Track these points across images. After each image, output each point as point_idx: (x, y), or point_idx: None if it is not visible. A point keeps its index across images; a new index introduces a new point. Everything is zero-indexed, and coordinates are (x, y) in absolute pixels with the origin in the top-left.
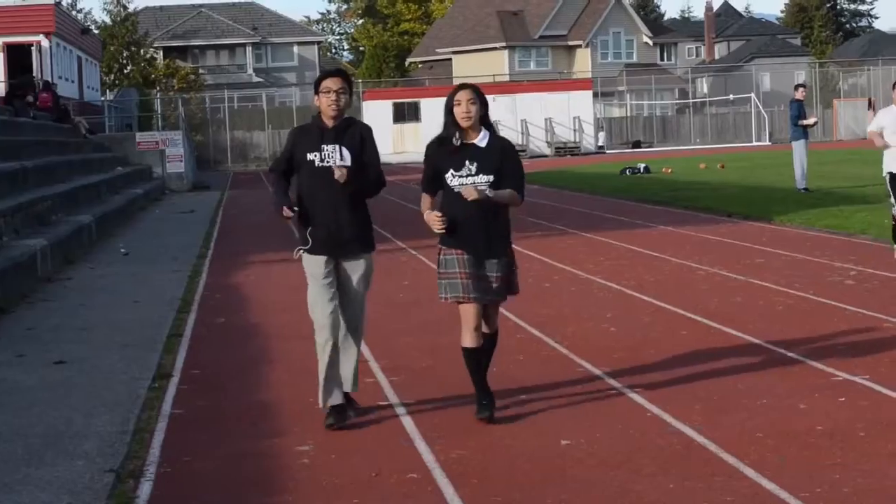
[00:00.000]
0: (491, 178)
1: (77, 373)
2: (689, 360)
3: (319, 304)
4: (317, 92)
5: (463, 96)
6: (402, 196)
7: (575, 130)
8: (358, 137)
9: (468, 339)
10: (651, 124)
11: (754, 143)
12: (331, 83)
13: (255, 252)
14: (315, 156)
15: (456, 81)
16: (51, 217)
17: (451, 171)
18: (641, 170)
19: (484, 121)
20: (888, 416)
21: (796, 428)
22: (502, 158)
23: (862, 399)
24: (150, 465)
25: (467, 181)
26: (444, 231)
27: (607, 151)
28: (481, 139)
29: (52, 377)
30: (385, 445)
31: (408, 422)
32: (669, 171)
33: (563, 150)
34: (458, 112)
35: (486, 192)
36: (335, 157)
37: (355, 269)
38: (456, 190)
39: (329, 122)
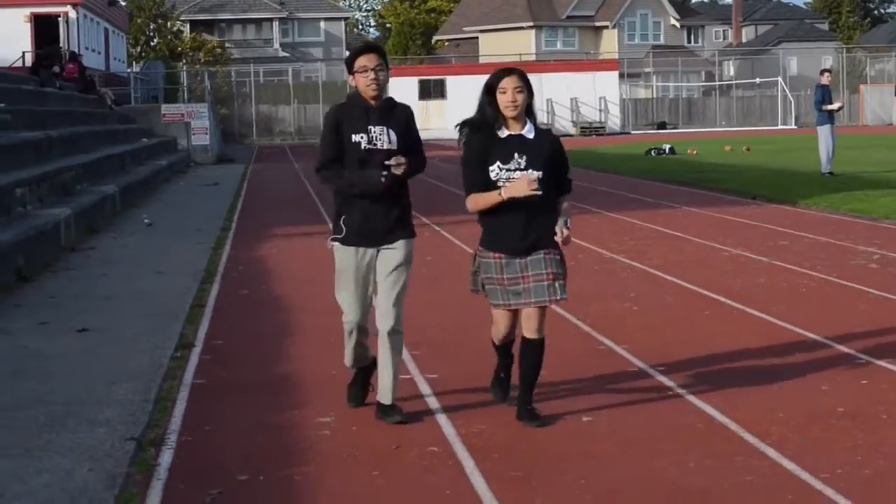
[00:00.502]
0: (541, 173)
1: (99, 341)
2: (711, 341)
3: (349, 302)
4: (351, 71)
5: (509, 83)
6: (426, 172)
7: (601, 111)
8: (403, 119)
9: (497, 338)
10: (677, 106)
11: (780, 127)
12: (366, 60)
13: (279, 225)
14: (362, 137)
15: (483, 60)
16: (75, 187)
17: (498, 163)
18: (667, 151)
19: (528, 110)
20: None
21: (818, 409)
22: (552, 153)
23: (884, 382)
24: (171, 433)
25: (516, 175)
26: (538, 192)
27: (632, 132)
28: (528, 130)
29: (75, 345)
30: (402, 424)
31: (429, 396)
32: (695, 152)
33: (589, 129)
34: (504, 101)
35: (565, 226)
36: (383, 140)
37: (394, 258)
38: (501, 184)
39: (371, 102)
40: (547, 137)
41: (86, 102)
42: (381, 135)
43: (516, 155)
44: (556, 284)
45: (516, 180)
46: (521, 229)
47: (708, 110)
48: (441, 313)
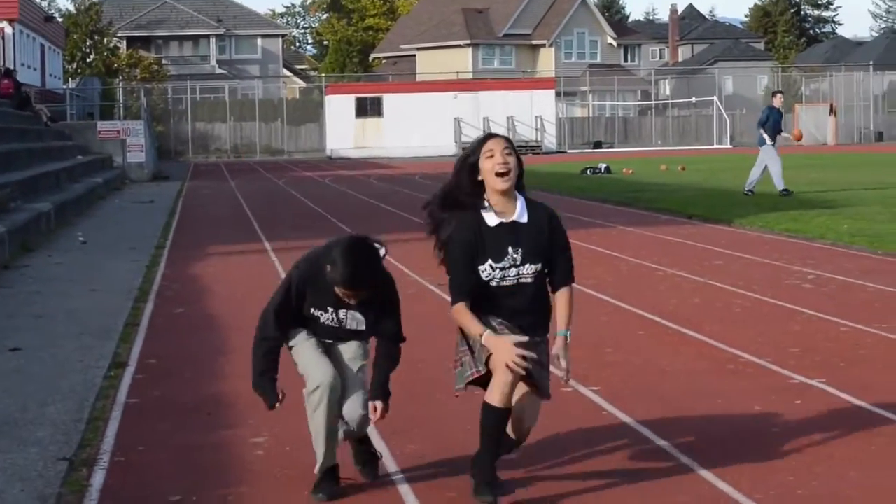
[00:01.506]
0: (539, 266)
1: (32, 360)
2: (645, 360)
3: (314, 361)
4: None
5: (496, 145)
6: (361, 190)
7: (537, 129)
8: None
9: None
10: (613, 125)
11: (715, 146)
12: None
13: (214, 243)
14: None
15: (420, 78)
16: (9, 204)
17: (490, 261)
18: (602, 170)
19: (518, 184)
20: (844, 420)
21: (752, 429)
22: (551, 238)
23: (818, 402)
24: (103, 453)
25: (510, 274)
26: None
27: (568, 151)
28: (520, 213)
29: (7, 364)
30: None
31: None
32: (630, 171)
33: (525, 148)
34: (491, 167)
35: (566, 338)
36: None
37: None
38: (495, 284)
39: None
40: (544, 218)
41: (21, 119)
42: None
43: (510, 249)
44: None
45: (500, 338)
46: (509, 319)
47: (644, 129)
48: None
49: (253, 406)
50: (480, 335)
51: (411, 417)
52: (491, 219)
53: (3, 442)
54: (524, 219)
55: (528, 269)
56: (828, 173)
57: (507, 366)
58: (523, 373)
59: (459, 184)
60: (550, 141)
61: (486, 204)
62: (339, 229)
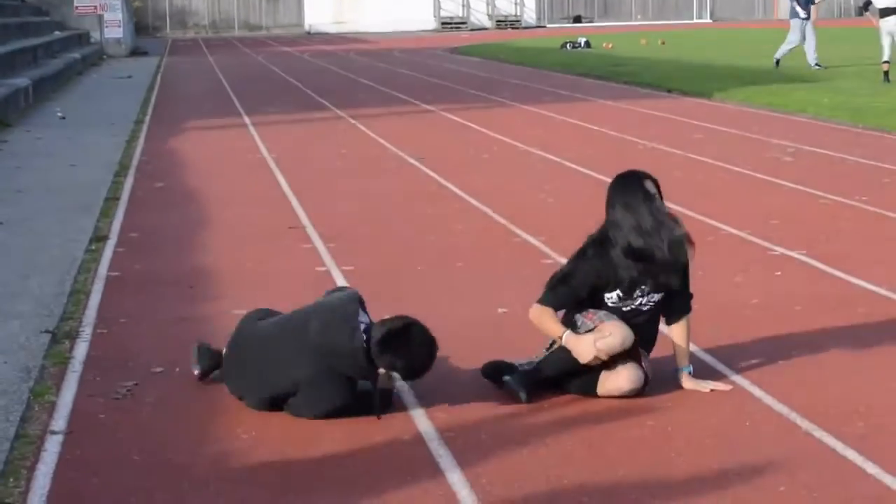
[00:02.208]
0: (661, 295)
1: (13, 234)
2: None
3: None
4: None
5: (653, 187)
6: (340, 65)
7: (516, 4)
8: None
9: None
10: None
11: (695, 21)
12: None
13: (194, 118)
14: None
15: None
16: None
17: (618, 291)
18: (582, 44)
19: None
20: (824, 291)
21: (732, 301)
22: (679, 270)
23: (798, 274)
24: (86, 326)
25: (635, 303)
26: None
27: (548, 26)
28: None
29: None
30: None
31: (344, 286)
32: (610, 46)
33: (504, 23)
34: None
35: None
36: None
37: None
38: (614, 305)
39: None
40: (678, 249)
41: None
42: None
43: (642, 284)
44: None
45: (579, 338)
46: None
47: (623, 3)
48: (355, 205)
49: (234, 278)
50: (561, 336)
51: (395, 289)
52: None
53: None
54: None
55: (654, 298)
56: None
57: (588, 362)
58: (600, 362)
59: (655, 224)
60: (530, 15)
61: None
62: (318, 103)
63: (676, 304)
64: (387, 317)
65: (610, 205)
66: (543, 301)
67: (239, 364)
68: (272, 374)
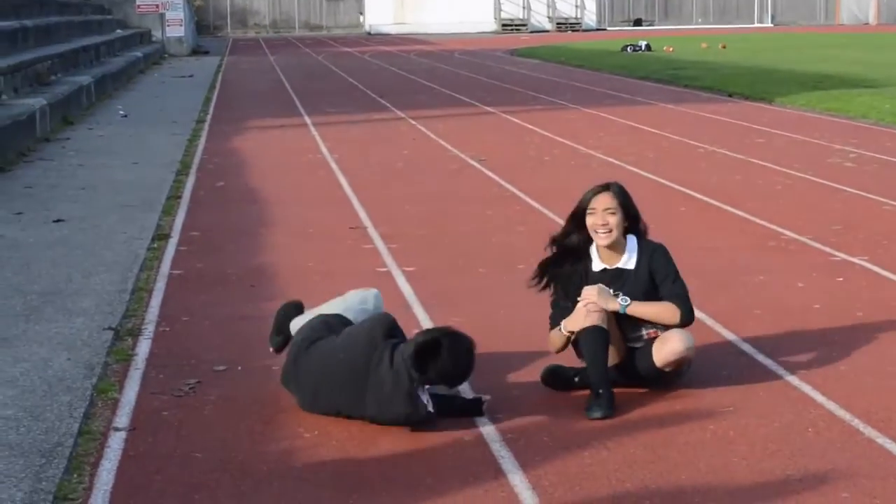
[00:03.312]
0: (625, 300)
1: (76, 232)
2: (686, 236)
3: None
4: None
5: (599, 203)
6: (400, 65)
7: (577, 6)
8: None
9: None
10: (653, 2)
11: (756, 25)
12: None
13: (254, 117)
14: None
15: None
16: (50, 77)
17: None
18: (643, 47)
19: (631, 228)
20: (886, 297)
21: (794, 305)
22: (654, 276)
23: (860, 280)
24: (148, 323)
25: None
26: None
27: (608, 28)
28: (626, 259)
29: (51, 235)
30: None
31: (406, 288)
32: (671, 49)
33: (565, 25)
34: (592, 223)
35: (621, 301)
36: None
37: None
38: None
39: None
40: (645, 259)
41: None
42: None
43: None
44: None
45: (587, 289)
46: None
47: (684, 7)
48: (417, 206)
49: (295, 277)
50: (561, 331)
51: (456, 290)
52: (597, 264)
53: (49, 312)
54: (630, 265)
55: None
56: (869, 53)
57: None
58: (597, 309)
59: (568, 232)
60: (590, 18)
61: (595, 250)
62: (378, 104)
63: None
64: (418, 332)
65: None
66: (552, 328)
67: (300, 378)
68: (338, 401)
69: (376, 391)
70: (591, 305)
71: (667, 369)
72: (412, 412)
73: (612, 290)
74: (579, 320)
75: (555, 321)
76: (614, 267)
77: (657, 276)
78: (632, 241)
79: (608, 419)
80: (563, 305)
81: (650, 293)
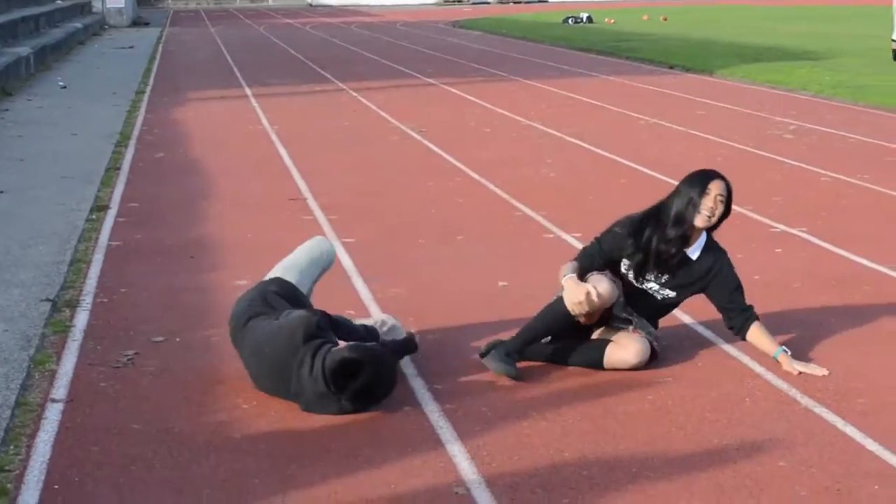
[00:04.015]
0: (675, 296)
1: (14, 203)
2: (627, 208)
3: None
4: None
5: (715, 188)
6: (341, 37)
7: None
8: None
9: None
10: None
11: None
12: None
13: (195, 89)
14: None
15: None
16: None
17: (628, 262)
18: (584, 19)
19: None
20: (824, 268)
21: None
22: (712, 283)
23: (799, 251)
24: (86, 295)
25: (645, 286)
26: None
27: (550, 0)
28: (695, 248)
29: None
30: (322, 281)
31: (346, 259)
32: (612, 21)
33: None
34: (704, 204)
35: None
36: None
37: None
38: (630, 278)
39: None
40: (710, 262)
41: None
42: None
43: (663, 273)
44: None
45: (576, 284)
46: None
47: None
48: (356, 178)
49: (235, 249)
50: (564, 277)
51: (395, 261)
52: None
53: None
54: (694, 255)
55: (664, 293)
56: (813, 25)
57: (569, 307)
58: (583, 311)
59: (679, 212)
60: None
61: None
62: (319, 76)
63: (737, 318)
64: (345, 345)
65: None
66: (574, 259)
67: (240, 352)
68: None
69: (301, 392)
70: (585, 305)
71: (607, 368)
72: (341, 411)
73: (661, 276)
74: (573, 293)
75: (583, 259)
76: (682, 251)
77: (719, 281)
78: (703, 235)
79: (509, 376)
80: (596, 255)
81: (691, 286)
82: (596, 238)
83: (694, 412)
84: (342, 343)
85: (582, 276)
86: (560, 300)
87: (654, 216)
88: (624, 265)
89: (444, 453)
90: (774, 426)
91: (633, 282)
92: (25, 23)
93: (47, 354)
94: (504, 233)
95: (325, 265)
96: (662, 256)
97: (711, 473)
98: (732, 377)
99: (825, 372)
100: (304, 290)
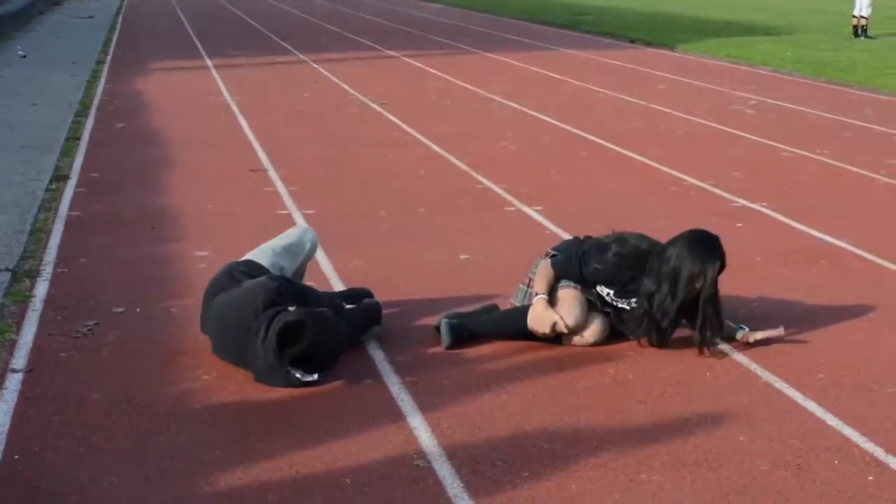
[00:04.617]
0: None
1: None
2: (587, 181)
3: None
4: None
5: (710, 272)
6: (303, 9)
7: None
8: None
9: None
10: None
11: None
12: None
13: (155, 60)
14: None
15: None
16: None
17: (613, 291)
18: None
19: None
20: (784, 242)
21: None
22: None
23: (759, 225)
24: (46, 265)
25: (621, 304)
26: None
27: None
28: None
29: None
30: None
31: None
32: None
33: None
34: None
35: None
36: None
37: None
38: (610, 299)
39: None
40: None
41: None
42: None
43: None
44: None
45: (544, 311)
46: None
47: None
48: (316, 149)
49: (196, 220)
50: (538, 294)
51: (356, 234)
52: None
53: None
54: None
55: (624, 306)
56: (774, 0)
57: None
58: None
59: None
60: None
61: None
62: (280, 47)
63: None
64: (289, 310)
65: (675, 247)
66: (555, 265)
67: (206, 327)
68: (231, 358)
69: (255, 361)
70: (549, 333)
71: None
72: (288, 384)
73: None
74: (540, 321)
75: (565, 269)
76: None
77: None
78: None
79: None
80: (575, 271)
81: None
82: (582, 242)
83: (654, 386)
84: (291, 309)
85: (555, 282)
86: (524, 311)
87: (651, 266)
88: (601, 290)
89: (405, 425)
90: (735, 401)
91: (609, 300)
92: None
93: (7, 324)
94: (465, 206)
95: (307, 254)
96: (657, 321)
97: (672, 447)
98: (693, 351)
99: (781, 332)
100: (283, 274)
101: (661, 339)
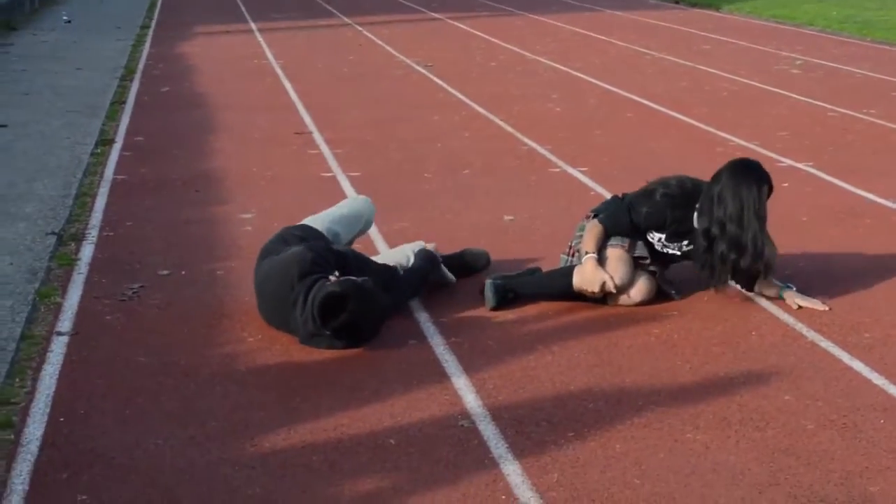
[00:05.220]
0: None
1: (19, 137)
2: (633, 142)
3: None
4: None
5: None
6: None
7: None
8: None
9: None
10: None
11: None
12: None
13: (200, 23)
14: None
15: None
16: None
17: (664, 235)
18: None
19: None
20: (830, 202)
21: None
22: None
23: (805, 185)
24: (91, 228)
25: (671, 250)
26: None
27: None
28: None
29: None
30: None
31: (351, 193)
32: None
33: None
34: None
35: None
36: None
37: None
38: (660, 247)
39: None
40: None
41: None
42: None
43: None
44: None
45: (595, 269)
46: None
47: None
48: (362, 112)
49: (240, 183)
50: (587, 253)
51: (401, 195)
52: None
53: None
54: None
55: (676, 253)
56: None
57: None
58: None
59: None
60: None
61: None
62: (325, 10)
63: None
64: (330, 279)
65: (720, 181)
66: (603, 220)
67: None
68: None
69: (297, 328)
70: (597, 293)
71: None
72: (331, 347)
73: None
74: (589, 279)
75: (613, 223)
76: None
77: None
78: None
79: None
80: (624, 222)
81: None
82: (622, 198)
83: (700, 346)
84: (332, 278)
85: (604, 240)
86: (569, 271)
87: (702, 204)
88: (652, 237)
89: (449, 386)
90: (780, 360)
91: (659, 247)
92: None
93: (53, 288)
94: (510, 167)
95: (362, 227)
96: (727, 263)
97: (717, 406)
98: (738, 311)
99: (825, 307)
100: (336, 241)
101: (722, 279)
